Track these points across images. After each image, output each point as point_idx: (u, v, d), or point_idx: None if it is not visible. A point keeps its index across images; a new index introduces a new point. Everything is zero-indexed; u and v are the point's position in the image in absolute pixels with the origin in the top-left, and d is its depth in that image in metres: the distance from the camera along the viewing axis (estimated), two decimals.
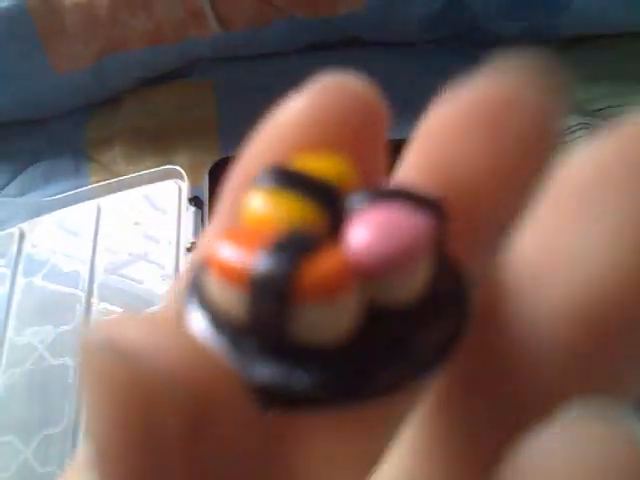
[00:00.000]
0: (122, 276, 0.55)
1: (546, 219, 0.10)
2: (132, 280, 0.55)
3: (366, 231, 0.10)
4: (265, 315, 0.09)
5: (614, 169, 0.10)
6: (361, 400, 0.09)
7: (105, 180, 0.63)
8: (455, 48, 0.72)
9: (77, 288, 0.53)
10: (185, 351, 0.09)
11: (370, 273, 0.09)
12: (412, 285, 0.10)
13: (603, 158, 0.10)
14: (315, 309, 0.09)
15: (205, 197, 0.55)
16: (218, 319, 0.10)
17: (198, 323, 0.10)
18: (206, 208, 0.54)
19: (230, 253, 0.10)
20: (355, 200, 0.11)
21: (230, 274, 0.10)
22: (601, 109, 0.66)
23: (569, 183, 0.10)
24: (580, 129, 0.63)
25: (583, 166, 0.10)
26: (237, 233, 0.10)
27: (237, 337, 0.10)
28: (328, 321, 0.09)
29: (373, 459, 0.12)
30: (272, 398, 0.10)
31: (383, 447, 0.12)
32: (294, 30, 0.67)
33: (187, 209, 0.55)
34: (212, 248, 0.10)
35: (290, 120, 0.14)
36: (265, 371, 0.09)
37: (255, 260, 0.09)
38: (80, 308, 0.52)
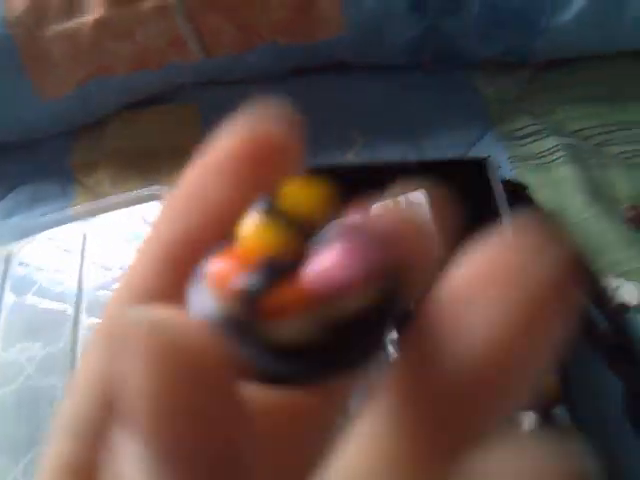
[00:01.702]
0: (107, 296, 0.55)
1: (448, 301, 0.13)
2: None
3: (322, 262, 0.13)
4: (242, 321, 0.13)
5: (492, 275, 0.13)
6: (317, 380, 0.13)
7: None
8: (437, 70, 0.74)
9: (65, 306, 0.53)
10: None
11: (321, 297, 0.12)
12: (357, 303, 0.13)
13: (485, 264, 0.13)
14: (276, 323, 0.13)
15: None
16: (214, 315, 0.13)
17: (202, 314, 0.13)
18: None
19: (222, 269, 0.13)
20: (323, 233, 0.14)
21: (220, 285, 0.13)
22: (580, 130, 0.68)
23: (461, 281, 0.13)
24: (559, 150, 0.65)
25: (469, 269, 0.13)
26: (231, 254, 0.14)
27: (228, 329, 0.13)
28: (287, 330, 0.13)
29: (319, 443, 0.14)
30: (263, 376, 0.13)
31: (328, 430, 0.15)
32: (277, 56, 0.68)
33: None
34: (211, 265, 0.14)
35: (214, 159, 0.17)
36: (257, 359, 0.13)
37: (240, 278, 0.13)
38: (69, 326, 0.51)
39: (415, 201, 0.52)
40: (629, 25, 0.66)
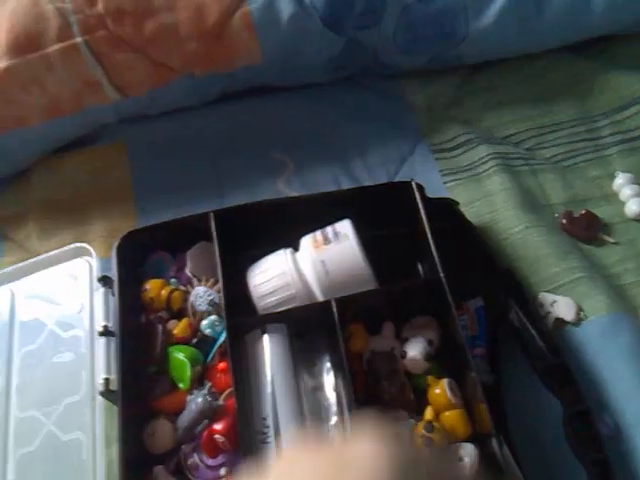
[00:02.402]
0: (39, 360, 0.54)
1: None
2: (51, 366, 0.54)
3: None
4: None
5: None
6: None
7: (20, 259, 0.62)
8: (362, 82, 0.72)
9: None
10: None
11: None
12: None
13: None
14: None
15: (113, 274, 0.54)
16: None
17: None
18: (115, 285, 0.53)
19: None
20: None
21: None
22: (510, 135, 0.67)
23: None
24: (491, 159, 0.64)
25: None
26: None
27: None
28: None
29: None
30: None
31: None
32: (196, 86, 0.66)
33: (97, 289, 0.55)
34: None
35: None
36: None
37: None
38: None
39: (342, 231, 0.51)
40: (550, 23, 0.65)
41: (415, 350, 0.51)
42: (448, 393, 0.48)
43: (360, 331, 0.52)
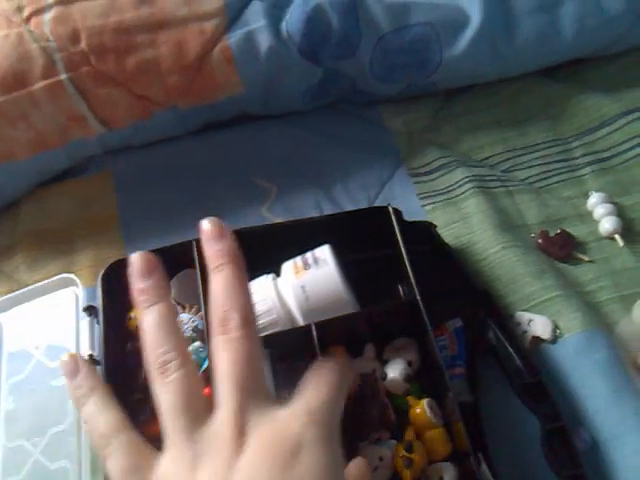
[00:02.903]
0: (27, 390, 0.55)
1: None
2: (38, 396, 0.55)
3: None
4: None
5: None
6: None
7: (9, 290, 0.63)
8: (342, 109, 0.74)
9: None
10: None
11: None
12: None
13: None
14: None
15: (98, 303, 0.55)
16: None
17: None
18: (100, 315, 0.54)
19: None
20: None
21: None
22: (487, 157, 0.69)
23: None
24: (467, 182, 0.65)
25: None
26: None
27: None
28: None
29: None
30: None
31: None
32: (180, 118, 0.68)
33: (83, 319, 0.56)
34: None
35: None
36: None
37: None
38: None
39: (321, 256, 0.53)
40: (521, 49, 0.66)
41: (395, 372, 0.52)
42: (428, 412, 0.49)
43: (341, 353, 0.53)
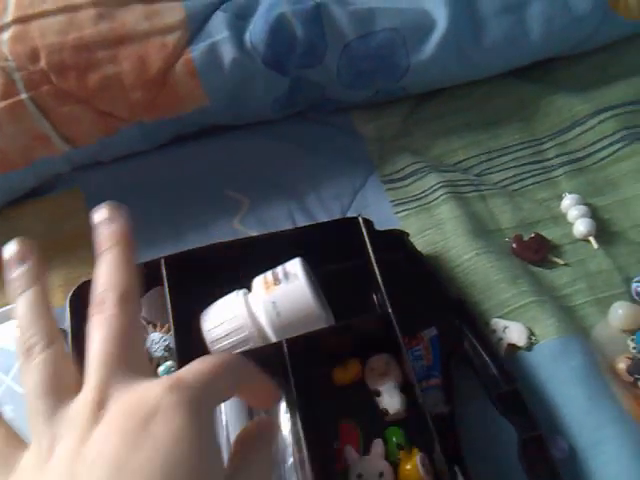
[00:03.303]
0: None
1: None
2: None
3: None
4: None
5: None
6: None
7: None
8: (312, 117, 0.73)
9: None
10: None
11: None
12: None
13: None
14: None
15: (67, 325, 0.54)
16: None
17: None
18: (69, 337, 0.54)
19: None
20: None
21: None
22: (460, 162, 0.68)
23: None
24: (440, 187, 0.65)
25: None
26: None
27: None
28: None
29: None
30: None
31: None
32: (146, 132, 0.67)
33: None
34: None
35: None
36: None
37: None
38: None
39: (292, 270, 0.52)
40: (488, 51, 0.66)
41: (394, 405, 0.51)
42: (421, 471, 0.47)
43: (356, 365, 0.53)
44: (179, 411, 0.28)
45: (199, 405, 0.29)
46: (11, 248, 0.35)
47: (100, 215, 0.37)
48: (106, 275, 0.33)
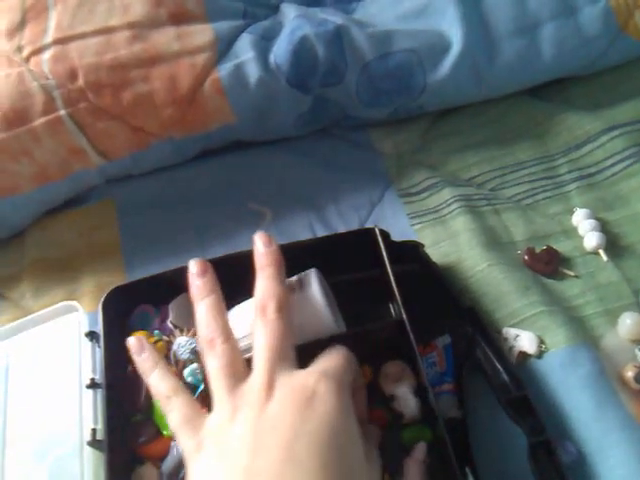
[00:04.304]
0: (32, 415, 0.58)
1: None
2: (43, 420, 0.57)
3: None
4: None
5: None
6: None
7: (15, 318, 0.65)
8: (332, 133, 0.77)
9: None
10: None
11: None
12: None
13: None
14: None
15: (99, 328, 0.57)
16: None
17: None
18: (101, 340, 0.57)
19: None
20: None
21: None
22: (474, 177, 0.70)
23: None
24: (455, 201, 0.67)
25: None
26: None
27: None
28: None
29: None
30: None
31: None
32: (176, 147, 0.70)
33: (85, 343, 0.58)
34: None
35: None
36: None
37: None
38: None
39: (306, 280, 0.54)
40: (502, 71, 0.68)
41: (411, 408, 0.53)
42: None
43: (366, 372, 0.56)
44: (331, 395, 0.41)
45: (342, 390, 0.42)
46: (194, 265, 0.50)
47: (260, 241, 0.51)
48: (265, 287, 0.47)
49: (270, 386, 0.42)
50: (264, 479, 0.38)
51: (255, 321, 0.46)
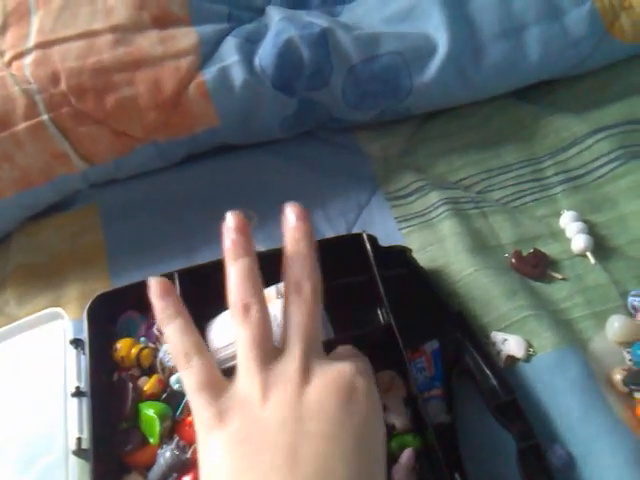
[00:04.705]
0: (16, 423, 0.57)
1: None
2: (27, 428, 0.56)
3: None
4: None
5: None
6: None
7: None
8: (319, 136, 0.76)
9: None
10: None
11: None
12: None
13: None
14: None
15: (85, 336, 0.57)
16: None
17: None
18: (86, 348, 0.56)
19: None
20: None
21: None
22: (461, 179, 0.70)
23: None
24: (442, 204, 0.67)
25: None
26: None
27: None
28: None
29: None
30: None
31: None
32: (160, 151, 0.70)
33: (70, 351, 0.57)
34: None
35: None
36: None
37: None
38: None
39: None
40: (488, 73, 0.68)
41: (402, 419, 0.53)
42: None
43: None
44: (370, 393, 0.40)
45: (376, 388, 0.41)
46: (230, 219, 0.46)
47: (293, 213, 0.47)
48: (300, 267, 0.43)
49: (306, 370, 0.39)
50: (310, 468, 0.36)
51: (288, 297, 0.42)
